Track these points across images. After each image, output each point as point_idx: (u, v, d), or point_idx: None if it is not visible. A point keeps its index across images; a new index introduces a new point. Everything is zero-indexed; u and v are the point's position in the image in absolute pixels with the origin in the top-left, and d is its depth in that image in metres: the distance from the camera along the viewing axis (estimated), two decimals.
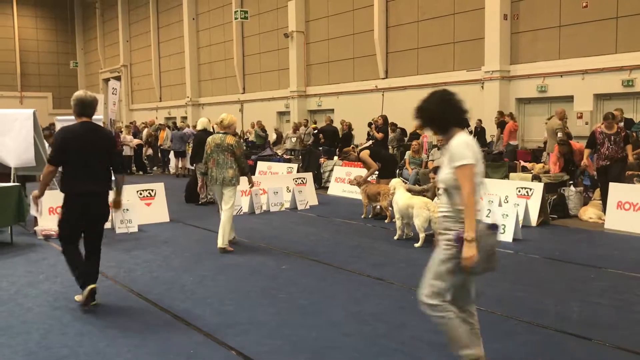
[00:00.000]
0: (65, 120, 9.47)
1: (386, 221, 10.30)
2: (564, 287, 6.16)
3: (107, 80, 25.28)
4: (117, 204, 5.93)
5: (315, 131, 19.46)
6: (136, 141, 21.67)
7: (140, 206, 10.29)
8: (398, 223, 8.75)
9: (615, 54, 15.93)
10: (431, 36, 20.84)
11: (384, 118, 17.80)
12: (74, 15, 50.39)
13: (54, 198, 9.58)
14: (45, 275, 6.88)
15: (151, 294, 6.08)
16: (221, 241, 7.98)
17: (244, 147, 8.96)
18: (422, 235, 8.17)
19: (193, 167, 13.08)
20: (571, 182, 11.02)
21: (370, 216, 10.82)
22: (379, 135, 16.57)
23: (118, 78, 40.22)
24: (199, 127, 12.84)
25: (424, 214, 8.11)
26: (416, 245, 8.15)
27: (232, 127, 8.47)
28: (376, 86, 23.03)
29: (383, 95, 22.65)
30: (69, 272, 5.44)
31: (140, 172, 21.44)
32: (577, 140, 15.63)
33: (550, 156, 12.80)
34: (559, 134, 13.37)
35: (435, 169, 9.25)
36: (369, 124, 18.69)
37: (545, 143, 14.83)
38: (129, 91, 43.61)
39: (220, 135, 8.21)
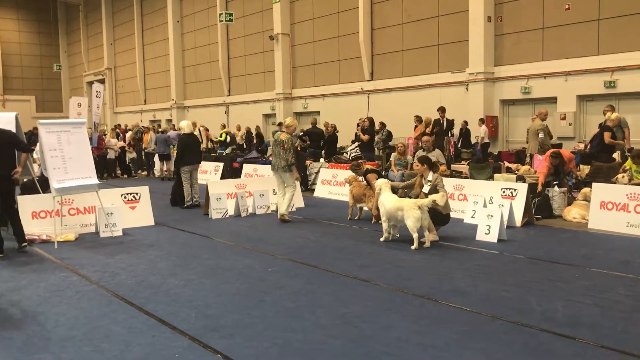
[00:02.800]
0: (49, 123, 9.36)
1: (372, 222, 10.32)
2: (549, 287, 6.21)
3: (91, 83, 25.11)
4: (16, 173, 8.20)
5: (301, 133, 19.45)
6: (120, 144, 21.52)
7: (124, 210, 10.21)
8: (384, 225, 8.74)
9: (597, 56, 16.13)
10: (416, 38, 20.95)
11: (370, 120, 17.83)
12: (57, 18, 50.00)
13: (37, 202, 9.52)
14: (28, 280, 6.80)
15: (136, 298, 6.04)
16: (283, 209, 10.65)
17: (293, 143, 10.82)
18: (415, 236, 8.13)
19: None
20: (555, 182, 11.11)
21: (356, 218, 10.82)
22: (365, 137, 16.60)
23: (102, 81, 39.97)
24: (186, 131, 12.78)
25: (415, 214, 8.07)
26: (412, 247, 8.11)
27: (290, 127, 10.73)
28: (362, 88, 23.09)
29: (369, 97, 22.72)
30: (53, 277, 5.39)
31: (125, 176, 21.29)
32: (561, 142, 15.84)
33: (535, 159, 12.86)
34: (541, 135, 13.48)
35: (421, 159, 9.19)
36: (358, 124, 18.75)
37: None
38: (113, 94, 43.33)
39: (279, 132, 10.78)
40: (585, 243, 8.58)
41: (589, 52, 16.29)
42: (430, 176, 8.78)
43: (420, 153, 13.03)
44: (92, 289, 6.43)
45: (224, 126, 25.23)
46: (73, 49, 49.55)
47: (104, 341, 4.83)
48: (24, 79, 48.65)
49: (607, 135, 11.97)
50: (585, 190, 10.39)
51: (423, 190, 8.82)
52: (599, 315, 5.30)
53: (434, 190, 8.62)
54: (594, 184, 9.99)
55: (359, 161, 12.51)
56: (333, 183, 14.31)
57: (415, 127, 17.75)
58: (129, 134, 22.95)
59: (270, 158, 18.91)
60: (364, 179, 11.11)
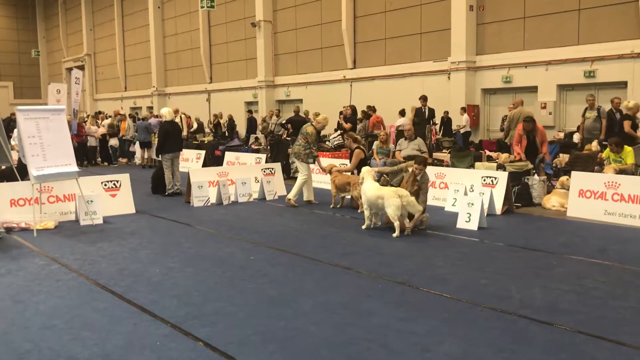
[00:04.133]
0: (27, 110, 9.22)
1: (359, 211, 10.32)
2: (527, 274, 6.30)
3: (70, 70, 24.79)
4: None
5: (284, 121, 19.45)
6: (101, 131, 21.28)
7: (105, 197, 10.12)
8: (366, 213, 8.79)
9: (577, 46, 16.29)
10: (398, 27, 20.95)
11: (352, 108, 17.85)
12: (35, 3, 49.07)
13: (14, 190, 9.39)
14: (7, 269, 6.72)
15: (117, 286, 6.01)
16: (291, 194, 11.02)
17: (315, 137, 11.14)
18: (396, 224, 8.17)
19: (159, 158, 12.89)
20: (535, 171, 11.23)
21: (338, 206, 10.85)
22: (347, 126, 16.61)
23: (82, 67, 39.39)
24: (167, 118, 12.64)
25: (396, 203, 8.10)
26: (394, 235, 8.16)
27: (319, 124, 11.32)
28: (344, 76, 23.06)
29: (351, 85, 22.71)
30: (32, 266, 5.37)
31: (105, 163, 21.08)
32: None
33: (516, 137, 12.74)
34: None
35: (422, 160, 9.20)
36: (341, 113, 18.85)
37: (503, 130, 14.99)
38: (93, 81, 42.76)
39: (308, 124, 11.65)
40: (564, 231, 8.70)
41: (569, 42, 16.44)
42: (420, 176, 8.80)
43: (402, 141, 13.09)
44: (72, 278, 6.38)
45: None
46: (52, 35, 48.73)
47: (84, 330, 4.81)
48: (1, 64, 47.76)
49: (627, 124, 11.54)
50: (563, 178, 10.53)
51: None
52: (576, 301, 5.39)
53: (417, 193, 8.62)
54: (573, 173, 10.11)
55: (355, 135, 12.56)
56: (316, 171, 14.27)
57: (368, 116, 18.02)
58: (108, 121, 22.70)
59: (253, 146, 18.96)
60: (346, 170, 11.13)
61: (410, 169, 9.15)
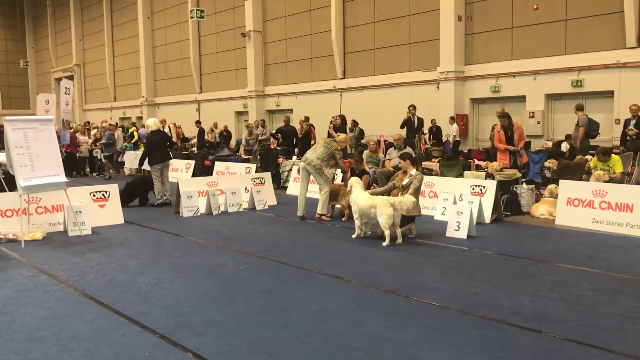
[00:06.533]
0: (15, 120, 9.17)
1: (343, 219, 10.38)
2: (516, 282, 6.32)
3: (59, 80, 24.70)
4: None
5: (273, 131, 19.47)
6: (90, 142, 21.19)
7: (93, 208, 10.06)
8: (357, 222, 8.79)
9: (564, 55, 16.46)
10: (388, 37, 21.08)
11: (342, 118, 17.90)
12: (24, 13, 48.93)
13: (1, 201, 9.33)
14: None
15: (105, 297, 5.97)
16: (321, 210, 10.60)
17: (341, 157, 10.84)
18: (387, 233, 8.19)
19: (146, 167, 12.84)
20: (524, 179, 11.30)
21: (329, 215, 10.85)
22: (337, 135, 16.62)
23: (71, 77, 39.27)
24: (152, 128, 12.62)
25: (388, 212, 8.13)
26: (384, 244, 8.18)
27: (342, 144, 10.92)
28: (334, 86, 23.15)
29: (341, 95, 22.79)
30: (20, 277, 5.31)
31: (94, 174, 20.97)
32: (530, 140, 16.12)
33: (495, 134, 12.75)
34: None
35: (403, 155, 9.33)
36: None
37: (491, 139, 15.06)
38: (82, 91, 42.61)
39: (332, 139, 10.88)
40: (552, 239, 8.75)
41: (557, 51, 16.62)
42: (414, 171, 8.88)
43: (391, 151, 13.14)
44: (60, 289, 6.33)
45: (133, 124, 24.89)
46: (40, 45, 48.56)
47: (72, 341, 4.77)
48: None
49: None
50: (551, 187, 10.60)
51: (403, 182, 8.92)
52: (565, 309, 5.41)
53: (407, 186, 8.70)
54: (561, 181, 10.19)
55: (362, 158, 12.65)
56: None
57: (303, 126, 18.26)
58: (96, 132, 22.59)
59: (243, 156, 18.93)
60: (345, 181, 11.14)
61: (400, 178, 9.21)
